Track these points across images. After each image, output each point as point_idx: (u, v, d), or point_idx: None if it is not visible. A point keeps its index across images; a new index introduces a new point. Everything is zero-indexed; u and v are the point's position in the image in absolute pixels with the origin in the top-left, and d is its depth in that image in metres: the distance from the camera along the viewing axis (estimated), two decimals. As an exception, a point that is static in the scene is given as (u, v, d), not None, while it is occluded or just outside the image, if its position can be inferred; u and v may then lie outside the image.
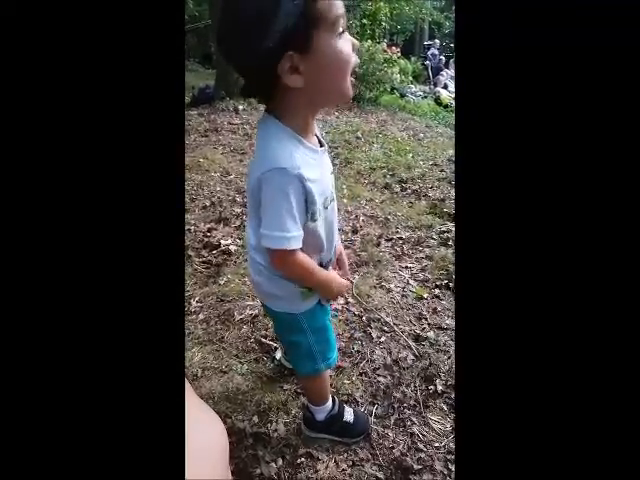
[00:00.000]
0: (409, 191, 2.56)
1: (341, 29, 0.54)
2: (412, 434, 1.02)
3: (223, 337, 1.34)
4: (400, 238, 1.98)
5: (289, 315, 0.78)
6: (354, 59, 0.57)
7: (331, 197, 0.70)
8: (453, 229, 2.02)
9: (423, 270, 1.72)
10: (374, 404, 1.10)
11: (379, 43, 5.60)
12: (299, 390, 1.14)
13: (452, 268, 1.69)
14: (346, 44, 0.55)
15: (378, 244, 1.92)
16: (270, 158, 0.58)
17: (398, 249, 1.89)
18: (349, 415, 1.01)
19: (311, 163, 0.61)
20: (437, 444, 1.00)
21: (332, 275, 0.77)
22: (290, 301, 0.76)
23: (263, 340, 1.33)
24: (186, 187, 2.45)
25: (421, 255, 1.83)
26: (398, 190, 2.58)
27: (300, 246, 0.63)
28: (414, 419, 1.06)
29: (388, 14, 7.06)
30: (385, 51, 5.41)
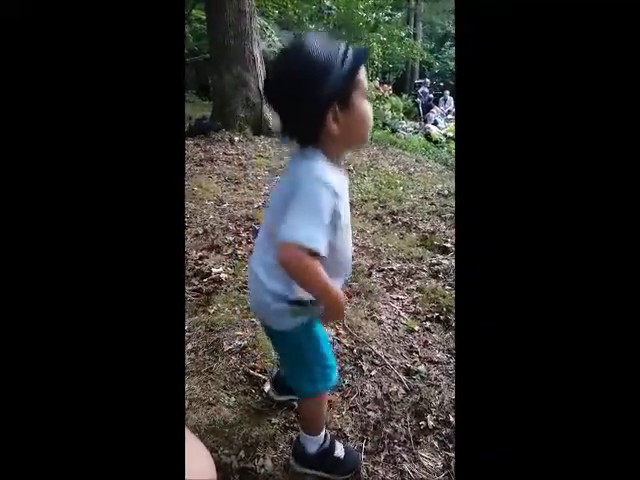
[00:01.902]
0: (400, 223, 2.61)
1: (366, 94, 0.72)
2: (402, 472, 1.00)
3: (211, 368, 1.32)
4: (391, 269, 2.00)
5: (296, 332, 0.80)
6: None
7: (349, 220, 0.79)
8: (443, 261, 2.05)
9: (414, 302, 1.73)
10: (364, 439, 1.08)
11: (372, 81, 5.89)
12: (287, 424, 1.11)
13: (442, 301, 1.71)
14: (369, 105, 0.73)
15: (369, 275, 1.94)
16: (314, 174, 0.68)
17: (389, 280, 1.90)
18: (340, 450, 0.98)
19: (342, 186, 0.74)
20: (428, 483, 0.97)
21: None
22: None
23: (252, 372, 1.30)
24: (180, 214, 2.45)
25: (412, 287, 1.85)
26: (389, 222, 2.63)
27: (323, 254, 0.65)
28: (404, 456, 1.04)
29: (381, 54, 7.46)
30: (377, 89, 5.68)
